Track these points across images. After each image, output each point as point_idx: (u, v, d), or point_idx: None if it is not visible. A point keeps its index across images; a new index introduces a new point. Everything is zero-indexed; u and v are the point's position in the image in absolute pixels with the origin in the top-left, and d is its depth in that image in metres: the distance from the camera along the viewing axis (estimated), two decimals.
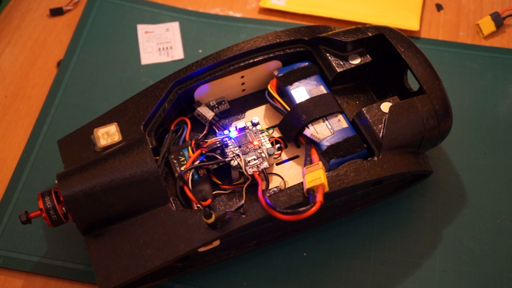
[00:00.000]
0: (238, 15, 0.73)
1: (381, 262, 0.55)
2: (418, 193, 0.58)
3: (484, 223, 0.57)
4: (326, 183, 0.47)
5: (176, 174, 0.54)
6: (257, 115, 0.59)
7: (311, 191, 0.47)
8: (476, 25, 0.71)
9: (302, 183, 0.49)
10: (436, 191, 0.59)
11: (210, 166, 0.54)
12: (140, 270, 0.48)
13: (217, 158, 0.54)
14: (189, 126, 0.57)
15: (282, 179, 0.55)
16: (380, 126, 0.52)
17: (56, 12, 0.74)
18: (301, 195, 0.48)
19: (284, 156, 0.56)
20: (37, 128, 0.64)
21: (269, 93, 0.57)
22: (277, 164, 0.56)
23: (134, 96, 0.55)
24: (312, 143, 0.53)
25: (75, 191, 0.49)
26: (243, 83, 0.59)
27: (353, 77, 0.58)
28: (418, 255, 0.55)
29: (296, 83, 0.56)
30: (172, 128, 0.57)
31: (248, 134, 0.55)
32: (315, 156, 0.52)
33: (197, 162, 0.53)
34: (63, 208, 0.50)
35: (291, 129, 0.54)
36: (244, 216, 0.48)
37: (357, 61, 0.57)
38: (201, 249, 0.50)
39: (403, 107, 0.52)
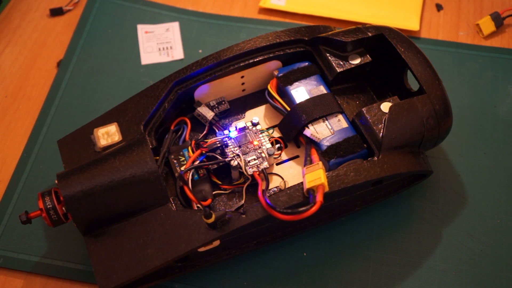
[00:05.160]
0: (238, 15, 0.73)
1: (381, 262, 0.55)
2: (418, 193, 0.58)
3: (484, 223, 0.57)
4: (326, 183, 0.47)
5: (176, 174, 0.54)
6: (257, 115, 0.59)
7: (311, 191, 0.47)
8: (476, 25, 0.71)
9: (302, 183, 0.49)
10: (436, 191, 0.59)
11: (210, 166, 0.54)
12: (140, 270, 0.48)
13: (217, 158, 0.54)
14: (189, 126, 0.57)
15: (282, 179, 0.55)
16: (380, 126, 0.52)
17: (56, 12, 0.74)
18: (301, 195, 0.48)
19: (284, 156, 0.56)
20: (37, 128, 0.64)
21: (269, 93, 0.57)
22: (277, 164, 0.56)
23: (134, 96, 0.55)
24: (312, 143, 0.53)
25: (75, 191, 0.49)
26: (243, 83, 0.59)
27: (353, 77, 0.58)
28: (418, 255, 0.55)
29: (296, 83, 0.56)
30: (172, 128, 0.57)
31: (248, 134, 0.55)
32: (315, 156, 0.52)
33: (197, 162, 0.53)
34: (63, 208, 0.50)
35: (291, 129, 0.54)
36: (244, 216, 0.48)
37: (357, 61, 0.57)
38: (201, 249, 0.50)
39: (403, 107, 0.52)
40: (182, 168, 0.54)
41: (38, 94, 0.67)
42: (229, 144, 0.54)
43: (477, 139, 0.62)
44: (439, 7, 0.73)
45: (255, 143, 0.54)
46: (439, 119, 0.53)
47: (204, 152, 0.54)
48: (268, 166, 0.53)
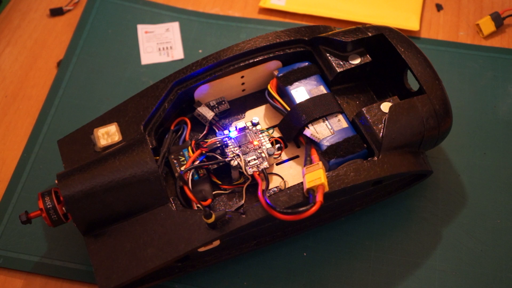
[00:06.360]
0: (238, 15, 0.73)
1: (381, 262, 0.55)
2: (418, 193, 0.58)
3: (484, 223, 0.57)
4: (326, 183, 0.47)
5: (176, 174, 0.54)
6: (257, 115, 0.59)
7: (311, 191, 0.47)
8: (476, 25, 0.71)
9: (302, 183, 0.49)
10: (436, 191, 0.59)
11: (210, 166, 0.54)
12: (140, 270, 0.48)
13: (217, 158, 0.54)
14: (189, 126, 0.57)
15: (282, 179, 0.55)
16: (380, 126, 0.52)
17: (56, 12, 0.74)
18: (301, 195, 0.48)
19: (284, 156, 0.56)
20: (37, 128, 0.64)
21: (269, 93, 0.57)
22: (277, 164, 0.56)
23: (134, 96, 0.55)
24: (312, 143, 0.53)
25: (75, 191, 0.49)
26: (243, 83, 0.59)
27: (353, 77, 0.58)
28: (418, 255, 0.55)
29: (296, 83, 0.56)
30: (172, 128, 0.57)
31: (248, 134, 0.55)
32: (315, 156, 0.52)
33: (197, 162, 0.53)
34: (63, 208, 0.50)
35: (291, 129, 0.54)
36: (244, 216, 0.48)
37: (357, 61, 0.57)
38: (201, 249, 0.50)
39: (403, 107, 0.52)
40: (182, 168, 0.54)
41: (38, 94, 0.67)
42: (229, 144, 0.54)
43: (477, 139, 0.62)
44: (439, 7, 0.73)
45: (255, 143, 0.54)
46: (439, 119, 0.53)
47: (204, 152, 0.54)
48: (268, 166, 0.53)
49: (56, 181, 0.50)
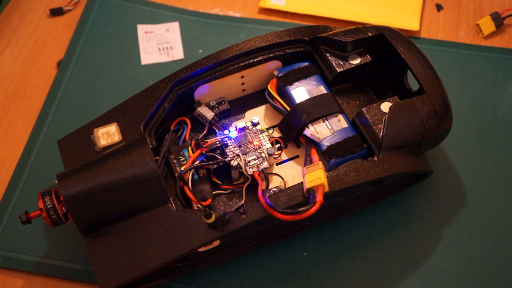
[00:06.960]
0: (238, 15, 0.73)
1: (381, 262, 0.55)
2: (418, 193, 0.58)
3: (484, 223, 0.57)
4: (326, 183, 0.47)
5: (176, 174, 0.54)
6: (257, 115, 0.59)
7: (311, 191, 0.47)
8: (476, 25, 0.71)
9: (302, 183, 0.49)
10: (436, 191, 0.59)
11: (210, 166, 0.54)
12: (140, 270, 0.48)
13: (217, 158, 0.54)
14: (189, 126, 0.57)
15: (282, 179, 0.55)
16: (380, 126, 0.52)
17: (56, 12, 0.74)
18: (301, 195, 0.48)
19: (284, 156, 0.56)
20: (37, 128, 0.64)
21: (269, 93, 0.57)
22: (277, 164, 0.56)
23: (134, 96, 0.55)
24: (312, 143, 0.53)
25: (75, 191, 0.49)
26: (243, 83, 0.59)
27: (353, 77, 0.58)
28: (418, 255, 0.55)
29: (296, 83, 0.56)
30: (172, 128, 0.57)
31: (248, 134, 0.55)
32: (315, 156, 0.52)
33: (197, 162, 0.53)
34: (63, 208, 0.50)
35: (291, 129, 0.54)
36: (244, 216, 0.48)
37: (357, 61, 0.57)
38: (201, 249, 0.50)
39: (403, 107, 0.52)
40: (182, 168, 0.54)
41: (38, 94, 0.67)
42: (229, 144, 0.54)
43: (477, 139, 0.62)
44: (439, 7, 0.73)
45: (255, 143, 0.54)
46: (439, 119, 0.53)
47: (204, 152, 0.54)
48: (268, 166, 0.53)
49: (56, 181, 0.50)
